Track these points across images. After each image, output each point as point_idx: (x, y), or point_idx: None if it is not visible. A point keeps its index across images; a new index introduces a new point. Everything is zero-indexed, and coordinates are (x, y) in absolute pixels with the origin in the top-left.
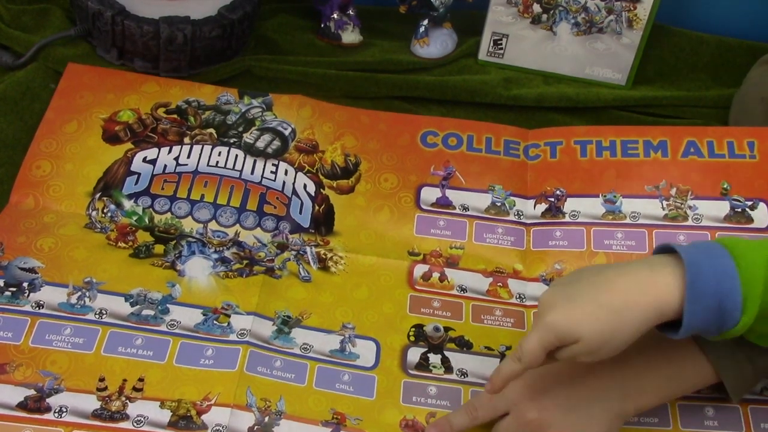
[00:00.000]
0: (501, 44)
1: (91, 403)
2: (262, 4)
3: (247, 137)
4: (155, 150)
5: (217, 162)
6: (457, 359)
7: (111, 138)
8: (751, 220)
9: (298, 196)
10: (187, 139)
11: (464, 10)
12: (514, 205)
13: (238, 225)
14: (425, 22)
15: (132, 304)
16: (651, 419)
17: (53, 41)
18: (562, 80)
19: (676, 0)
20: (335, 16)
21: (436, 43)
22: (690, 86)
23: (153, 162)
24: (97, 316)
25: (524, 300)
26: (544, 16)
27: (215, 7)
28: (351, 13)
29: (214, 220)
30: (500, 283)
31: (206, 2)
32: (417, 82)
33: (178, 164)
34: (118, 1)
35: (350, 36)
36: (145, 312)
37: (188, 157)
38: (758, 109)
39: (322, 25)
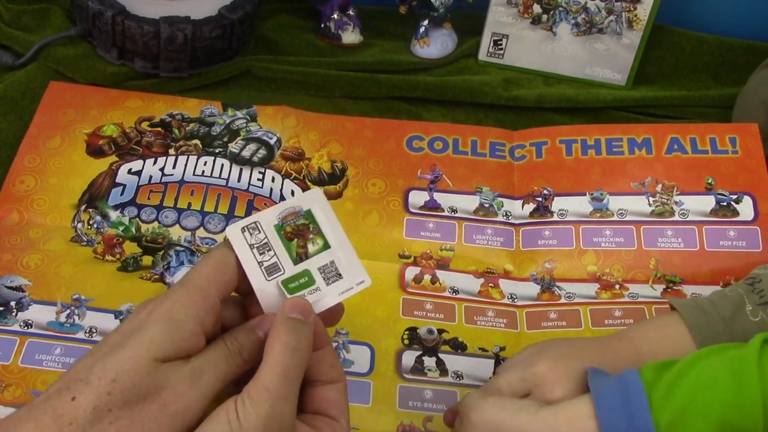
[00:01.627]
0: (501, 44)
1: None
2: (262, 4)
3: (233, 147)
4: (140, 162)
5: (203, 171)
6: (452, 361)
7: (95, 152)
8: (736, 213)
9: None
10: (172, 151)
11: (464, 10)
12: (502, 206)
13: None
14: (425, 22)
15: (122, 321)
16: None
17: (53, 41)
18: (562, 81)
19: (676, 0)
20: (335, 16)
21: (436, 44)
22: (690, 86)
23: (138, 173)
24: (87, 334)
25: (516, 300)
26: (544, 17)
27: (215, 7)
28: (351, 13)
29: (202, 227)
30: (491, 284)
31: (206, 2)
32: (417, 82)
33: (163, 174)
34: (119, 1)
35: (350, 36)
36: None
37: (174, 167)
38: (760, 111)
39: (322, 25)
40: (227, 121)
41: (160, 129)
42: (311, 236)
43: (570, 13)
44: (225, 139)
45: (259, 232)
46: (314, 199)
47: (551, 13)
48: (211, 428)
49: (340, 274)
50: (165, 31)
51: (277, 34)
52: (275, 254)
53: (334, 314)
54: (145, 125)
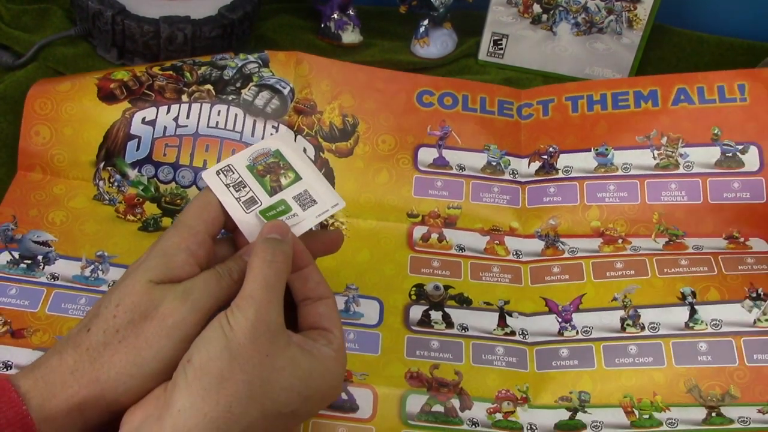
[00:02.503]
0: (501, 44)
1: None
2: (262, 4)
3: (246, 94)
4: (153, 110)
5: (217, 123)
6: (458, 315)
7: (107, 97)
8: (742, 164)
9: None
10: (185, 97)
11: (464, 10)
12: (509, 165)
13: None
14: (425, 22)
15: None
16: (646, 359)
17: (53, 41)
18: (563, 80)
19: (676, 0)
20: (335, 16)
21: (436, 43)
22: None
23: (152, 123)
24: (110, 287)
25: (521, 256)
26: (544, 16)
27: (215, 7)
28: (351, 13)
29: None
30: (497, 241)
31: (206, 2)
32: None
33: (178, 125)
34: (119, 1)
35: (350, 36)
36: None
37: (187, 117)
38: None
39: (322, 25)
40: (239, 64)
41: (171, 72)
42: (282, 171)
43: (570, 13)
44: (238, 85)
45: (233, 173)
46: (281, 139)
47: (551, 12)
48: (207, 335)
49: (314, 200)
50: (165, 31)
51: (277, 34)
52: (251, 190)
53: (332, 242)
54: (156, 69)
